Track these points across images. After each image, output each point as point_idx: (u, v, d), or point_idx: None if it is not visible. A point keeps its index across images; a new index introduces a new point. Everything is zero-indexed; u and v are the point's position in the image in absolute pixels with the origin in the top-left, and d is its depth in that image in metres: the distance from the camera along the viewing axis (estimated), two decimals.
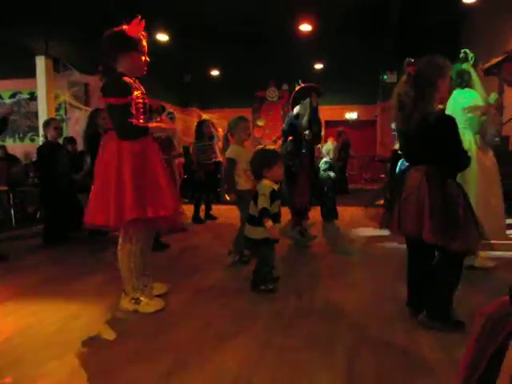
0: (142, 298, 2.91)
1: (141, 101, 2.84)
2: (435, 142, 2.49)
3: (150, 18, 7.45)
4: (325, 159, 6.20)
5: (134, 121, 2.74)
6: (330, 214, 6.23)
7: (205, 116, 13.41)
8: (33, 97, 8.79)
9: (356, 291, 3.31)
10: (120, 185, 2.72)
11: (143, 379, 2.03)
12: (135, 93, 2.77)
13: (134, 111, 2.75)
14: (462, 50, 3.72)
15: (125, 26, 2.83)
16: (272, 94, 13.94)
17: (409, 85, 2.57)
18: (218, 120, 12.07)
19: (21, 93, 9.20)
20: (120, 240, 2.92)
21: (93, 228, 3.26)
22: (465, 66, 3.64)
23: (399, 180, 2.71)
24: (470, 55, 3.66)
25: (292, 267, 4.04)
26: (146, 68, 2.93)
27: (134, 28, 2.81)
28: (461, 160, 2.55)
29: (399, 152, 6.83)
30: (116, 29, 2.84)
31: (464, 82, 3.63)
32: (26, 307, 2.99)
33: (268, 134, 12.93)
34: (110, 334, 2.56)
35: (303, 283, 3.53)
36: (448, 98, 3.47)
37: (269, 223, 3.15)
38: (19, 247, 4.92)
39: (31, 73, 8.12)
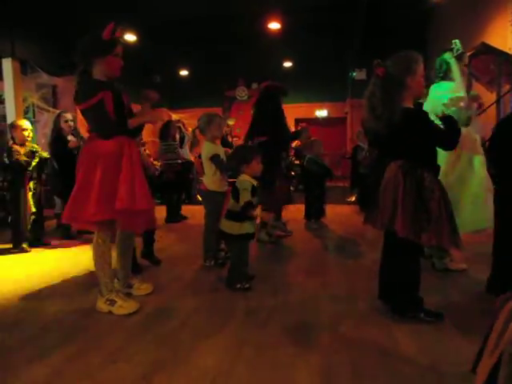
0: (116, 299, 2.94)
1: (111, 100, 2.84)
2: (407, 139, 2.53)
3: (117, 18, 7.42)
4: (309, 156, 6.24)
5: (111, 116, 2.80)
6: (317, 213, 6.23)
7: (175, 116, 13.39)
8: (0, 100, 8.62)
9: (331, 288, 3.36)
10: (87, 186, 2.78)
11: (121, 381, 2.06)
12: (104, 92, 2.79)
13: (107, 109, 2.79)
14: (453, 41, 3.61)
15: (98, 31, 2.88)
16: (242, 93, 13.98)
17: (376, 86, 2.61)
18: (188, 120, 12.07)
19: None
20: (93, 241, 2.96)
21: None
22: (446, 56, 3.53)
23: (375, 174, 2.77)
24: (457, 47, 3.57)
25: (267, 265, 4.11)
26: (120, 70, 2.98)
27: (107, 31, 2.85)
28: (447, 141, 2.58)
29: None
30: (92, 34, 2.90)
31: (441, 72, 3.56)
32: None
33: (238, 133, 12.96)
34: (86, 335, 2.57)
35: (279, 281, 3.58)
36: (424, 93, 3.24)
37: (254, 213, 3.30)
38: None
39: None
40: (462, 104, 3.31)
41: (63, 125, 5.38)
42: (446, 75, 3.54)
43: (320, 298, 3.14)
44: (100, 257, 2.93)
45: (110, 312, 2.91)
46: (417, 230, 2.45)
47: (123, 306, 2.92)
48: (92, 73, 2.90)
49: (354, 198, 8.47)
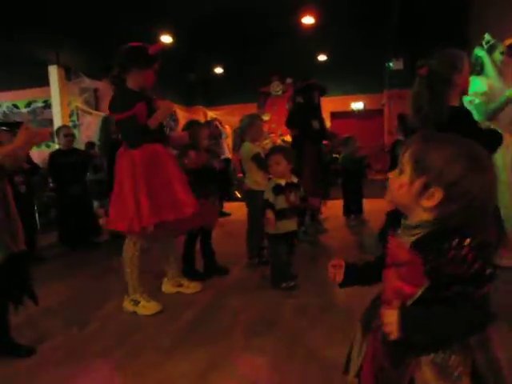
0: (140, 300, 3.06)
1: (145, 109, 2.97)
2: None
3: (154, 21, 7.58)
4: (344, 153, 6.27)
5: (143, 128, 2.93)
6: (355, 210, 6.25)
7: (210, 114, 13.57)
8: (47, 105, 9.00)
9: (376, 286, 3.35)
10: (135, 192, 2.90)
11: (179, 378, 2.16)
12: (139, 103, 2.92)
13: (140, 121, 2.92)
14: (485, 35, 3.57)
15: (143, 44, 3.02)
16: (276, 88, 13.99)
17: (422, 86, 2.54)
18: (224, 117, 12.20)
19: (35, 101, 9.40)
20: (125, 243, 3.09)
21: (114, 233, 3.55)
22: (478, 51, 3.52)
23: None
24: (486, 39, 3.53)
25: (309, 263, 4.14)
26: (153, 84, 3.11)
27: (155, 48, 2.99)
28: (491, 143, 2.47)
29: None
30: (137, 43, 3.03)
31: (478, 66, 3.52)
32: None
33: (274, 128, 13.01)
34: (143, 333, 2.71)
35: (322, 279, 3.52)
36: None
37: (269, 214, 3.29)
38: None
39: (45, 82, 8.37)
40: (484, 98, 3.32)
41: (113, 127, 5.40)
42: (481, 70, 3.52)
43: (366, 297, 3.13)
44: (130, 258, 3.06)
45: (135, 312, 3.04)
46: None
47: (146, 307, 3.04)
48: (126, 80, 3.02)
49: None
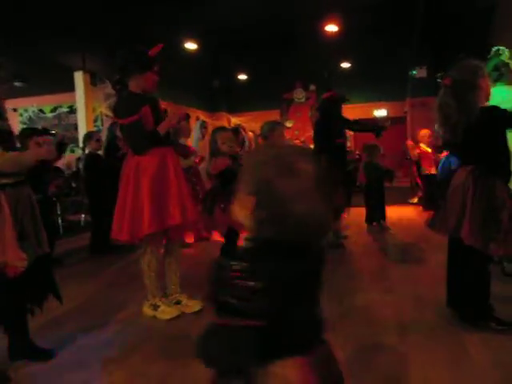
0: (159, 304, 3.05)
1: (150, 113, 2.93)
2: (484, 138, 2.48)
3: (179, 28, 7.66)
4: (366, 161, 6.22)
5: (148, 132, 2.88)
6: (377, 216, 6.16)
7: (234, 120, 13.64)
8: (72, 110, 9.15)
9: (396, 294, 3.31)
10: (138, 201, 2.87)
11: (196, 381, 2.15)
12: (144, 107, 2.88)
13: (146, 126, 2.87)
14: (495, 48, 3.61)
15: (142, 47, 3.01)
16: (299, 95, 14.01)
17: (449, 96, 2.56)
18: (247, 123, 12.25)
19: (61, 106, 9.58)
20: (143, 251, 3.08)
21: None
22: (503, 57, 3.52)
23: (444, 179, 2.75)
24: (502, 49, 3.55)
25: (330, 269, 4.08)
26: (156, 86, 3.07)
27: (154, 50, 2.96)
28: None
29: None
30: (136, 47, 3.02)
31: (501, 75, 3.49)
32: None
33: (297, 135, 13.00)
34: (162, 337, 2.72)
35: (343, 286, 3.53)
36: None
37: None
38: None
39: (70, 87, 8.51)
40: None
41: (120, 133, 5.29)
42: (505, 78, 3.51)
43: (385, 305, 3.10)
44: (147, 265, 3.04)
45: (154, 316, 3.03)
46: (485, 239, 2.38)
47: (165, 311, 3.03)
48: (128, 85, 2.99)
49: (416, 200, 8.30)
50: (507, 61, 3.49)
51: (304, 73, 13.26)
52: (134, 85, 2.98)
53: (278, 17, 10.26)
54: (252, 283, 0.88)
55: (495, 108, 2.53)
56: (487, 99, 2.64)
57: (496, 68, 3.51)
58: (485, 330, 2.53)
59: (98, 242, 5.14)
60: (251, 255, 0.96)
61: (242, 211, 0.98)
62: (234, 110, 14.45)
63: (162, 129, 2.95)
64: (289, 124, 14.13)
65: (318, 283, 1.06)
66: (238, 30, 10.86)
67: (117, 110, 3.03)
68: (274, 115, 11.85)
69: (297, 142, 12.13)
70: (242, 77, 13.64)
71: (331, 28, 10.36)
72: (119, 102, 3.04)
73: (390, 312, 2.97)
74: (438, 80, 2.64)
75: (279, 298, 0.91)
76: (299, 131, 13.06)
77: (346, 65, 12.90)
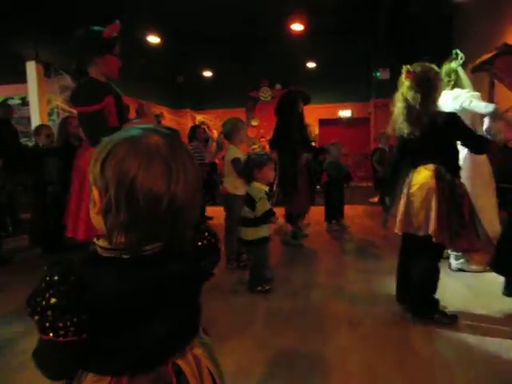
0: None
1: (113, 105, 2.67)
2: (445, 141, 2.58)
3: (141, 20, 7.45)
4: (328, 160, 6.14)
5: (108, 125, 2.60)
6: (337, 215, 6.10)
7: (199, 118, 13.45)
8: (24, 102, 8.73)
9: (350, 290, 3.34)
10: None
11: None
12: (108, 97, 2.62)
13: (107, 116, 2.61)
14: (454, 51, 3.74)
15: (98, 27, 2.68)
16: (265, 93, 13.95)
17: (414, 90, 2.60)
18: (212, 121, 12.09)
19: (12, 98, 9.15)
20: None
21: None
22: (453, 64, 3.68)
23: (395, 177, 2.77)
24: (460, 55, 3.67)
25: (288, 267, 4.06)
26: (118, 71, 2.79)
27: (110, 30, 2.67)
28: (482, 144, 2.61)
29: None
30: (89, 29, 2.69)
31: (452, 80, 3.68)
32: None
33: (262, 133, 12.93)
34: None
35: (299, 283, 3.55)
36: None
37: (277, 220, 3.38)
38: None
39: (22, 78, 8.08)
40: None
41: (72, 130, 4.83)
42: (455, 83, 3.68)
43: (339, 300, 3.13)
44: None
45: None
46: (452, 236, 2.46)
47: None
48: (88, 72, 2.69)
49: (376, 199, 8.31)
50: (456, 68, 3.67)
51: (270, 71, 13.22)
52: (95, 71, 2.68)
53: (244, 15, 10.19)
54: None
55: (459, 117, 2.63)
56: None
57: (447, 74, 3.68)
58: (430, 323, 2.61)
59: (50, 240, 4.86)
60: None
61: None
62: (198, 107, 14.24)
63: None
64: (254, 122, 14.05)
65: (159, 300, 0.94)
66: (203, 25, 10.72)
67: (75, 96, 2.69)
68: (239, 113, 11.69)
69: (262, 140, 12.07)
70: (208, 74, 13.48)
71: (297, 27, 10.33)
72: (79, 88, 2.69)
73: (342, 307, 2.99)
74: (405, 72, 2.66)
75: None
76: (264, 130, 12.97)
77: (311, 65, 12.92)
